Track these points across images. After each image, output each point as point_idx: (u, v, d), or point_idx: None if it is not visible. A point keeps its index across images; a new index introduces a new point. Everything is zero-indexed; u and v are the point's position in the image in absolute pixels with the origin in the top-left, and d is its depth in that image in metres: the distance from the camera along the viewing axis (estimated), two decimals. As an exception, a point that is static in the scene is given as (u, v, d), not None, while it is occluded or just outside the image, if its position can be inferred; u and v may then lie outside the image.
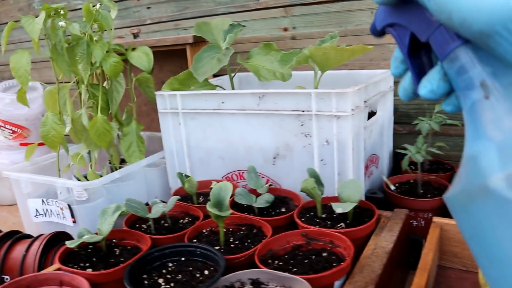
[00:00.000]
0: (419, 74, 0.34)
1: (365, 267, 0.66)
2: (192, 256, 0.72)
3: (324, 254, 0.70)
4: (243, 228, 0.82)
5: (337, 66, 0.93)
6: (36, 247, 0.90)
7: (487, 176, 0.26)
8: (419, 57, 0.35)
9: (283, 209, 0.88)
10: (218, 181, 0.80)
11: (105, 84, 1.15)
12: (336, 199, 0.81)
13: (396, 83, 1.20)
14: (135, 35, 1.49)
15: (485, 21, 0.26)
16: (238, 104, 0.95)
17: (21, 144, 1.63)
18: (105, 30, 1.11)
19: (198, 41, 1.36)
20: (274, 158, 0.96)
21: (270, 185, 0.95)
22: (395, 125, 1.23)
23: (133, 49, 1.16)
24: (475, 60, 0.29)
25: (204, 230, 0.82)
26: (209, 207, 0.72)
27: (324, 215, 0.82)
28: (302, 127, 0.89)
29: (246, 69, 1.08)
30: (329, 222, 0.79)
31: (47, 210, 1.07)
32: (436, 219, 0.82)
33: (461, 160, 0.30)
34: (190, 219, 0.89)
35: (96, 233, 0.78)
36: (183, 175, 0.95)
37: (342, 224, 0.77)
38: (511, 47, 0.26)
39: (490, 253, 0.27)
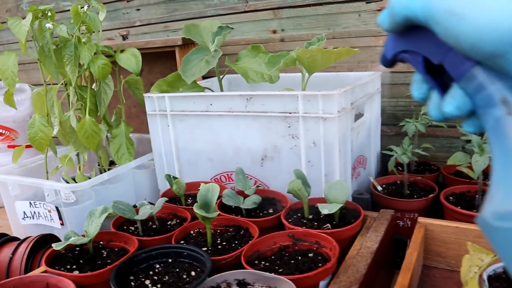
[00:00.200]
0: (445, 89, 0.33)
1: (350, 267, 0.67)
2: (179, 257, 0.72)
3: (310, 255, 0.71)
4: (231, 229, 0.82)
5: (325, 68, 0.94)
6: (23, 249, 0.90)
7: None
8: (440, 75, 0.34)
9: (270, 210, 0.88)
10: (206, 183, 0.80)
11: (93, 86, 1.15)
12: (323, 200, 0.82)
13: (383, 84, 1.21)
14: (124, 37, 1.49)
15: (495, 43, 0.26)
16: (226, 106, 0.95)
17: (9, 146, 1.62)
18: (94, 32, 1.10)
19: (187, 43, 1.36)
20: (262, 159, 0.96)
21: (258, 186, 0.96)
22: (382, 127, 1.25)
23: (122, 51, 1.16)
24: (492, 77, 0.28)
25: (191, 232, 0.83)
26: (196, 209, 0.73)
27: (311, 216, 0.83)
28: (289, 128, 0.90)
29: (236, 71, 1.09)
30: (315, 223, 0.80)
31: (34, 212, 1.06)
32: (421, 219, 0.83)
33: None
34: (178, 221, 0.90)
35: (83, 235, 0.78)
36: (171, 176, 0.95)
37: (328, 225, 0.78)
38: None
39: None
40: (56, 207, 1.01)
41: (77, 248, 0.80)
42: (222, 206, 0.90)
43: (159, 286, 0.66)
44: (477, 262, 0.58)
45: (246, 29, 1.43)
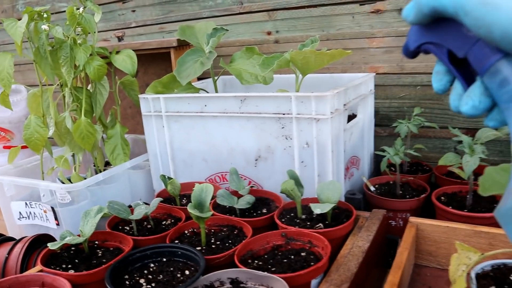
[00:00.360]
0: (468, 81, 0.33)
1: (342, 265, 0.68)
2: (174, 256, 0.73)
3: (303, 254, 0.72)
4: (225, 229, 0.83)
5: (319, 69, 0.95)
6: (19, 249, 0.91)
7: None
8: (464, 68, 0.34)
9: (264, 210, 0.89)
10: (201, 183, 0.81)
11: (89, 87, 1.16)
12: (316, 200, 0.83)
13: (377, 86, 1.23)
14: (120, 38, 1.49)
15: None
16: (220, 107, 0.96)
17: (5, 147, 1.62)
18: (89, 33, 1.11)
19: (183, 45, 1.37)
20: (256, 160, 0.97)
21: (251, 186, 0.97)
22: (376, 128, 1.26)
23: (117, 52, 1.17)
24: None
25: (186, 231, 0.84)
26: (190, 209, 0.74)
27: (304, 216, 0.84)
28: (283, 129, 0.91)
29: (230, 72, 1.10)
30: (308, 223, 0.81)
31: (30, 212, 1.07)
32: (412, 219, 0.84)
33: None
34: (172, 221, 0.91)
35: (79, 235, 0.79)
36: (166, 177, 0.96)
37: (320, 224, 0.79)
38: None
39: None
40: (52, 208, 1.02)
41: (73, 248, 0.80)
42: (217, 206, 0.91)
43: (153, 285, 0.67)
44: (465, 260, 0.59)
45: (241, 31, 1.44)
